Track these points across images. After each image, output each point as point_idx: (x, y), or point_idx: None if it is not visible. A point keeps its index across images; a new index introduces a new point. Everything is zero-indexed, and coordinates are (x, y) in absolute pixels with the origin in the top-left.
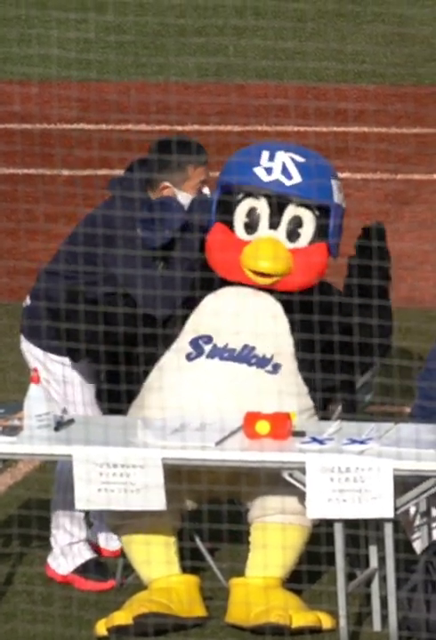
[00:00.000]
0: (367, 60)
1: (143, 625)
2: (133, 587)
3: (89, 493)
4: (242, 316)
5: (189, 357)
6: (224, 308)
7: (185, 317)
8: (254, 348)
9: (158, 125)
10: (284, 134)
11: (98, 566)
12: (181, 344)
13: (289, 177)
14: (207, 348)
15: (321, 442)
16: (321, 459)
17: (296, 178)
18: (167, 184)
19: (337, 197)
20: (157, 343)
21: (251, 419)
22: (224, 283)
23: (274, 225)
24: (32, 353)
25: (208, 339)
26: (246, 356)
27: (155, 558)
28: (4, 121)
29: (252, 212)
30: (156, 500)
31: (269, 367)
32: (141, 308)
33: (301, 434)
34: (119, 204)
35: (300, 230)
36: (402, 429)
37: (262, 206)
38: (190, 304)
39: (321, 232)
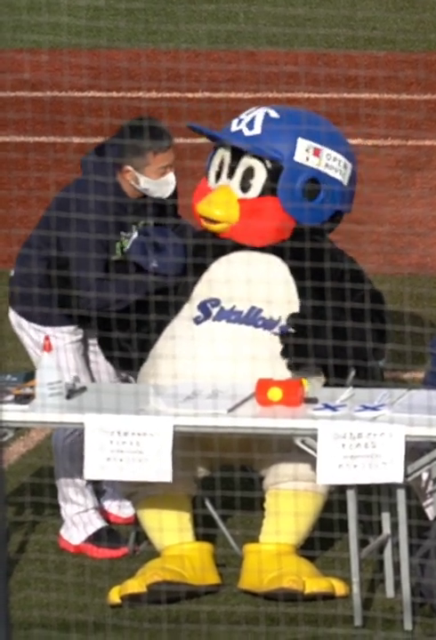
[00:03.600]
0: (377, 26)
1: (156, 593)
2: (145, 554)
3: (98, 462)
4: (250, 279)
5: (197, 321)
6: (233, 273)
7: (193, 284)
8: (261, 311)
9: (169, 93)
10: (294, 101)
11: (110, 534)
12: (190, 309)
13: (251, 128)
14: (215, 310)
15: (334, 408)
16: (333, 425)
17: (257, 130)
18: (129, 168)
19: (302, 157)
20: (160, 310)
21: (263, 385)
22: (234, 248)
23: (231, 174)
24: (17, 323)
25: (216, 302)
26: (252, 318)
27: (168, 526)
28: (15, 89)
29: (221, 162)
30: (163, 472)
31: (276, 329)
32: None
33: (313, 400)
34: (87, 187)
35: (251, 181)
36: (414, 396)
37: (226, 155)
38: (199, 271)
39: (273, 185)
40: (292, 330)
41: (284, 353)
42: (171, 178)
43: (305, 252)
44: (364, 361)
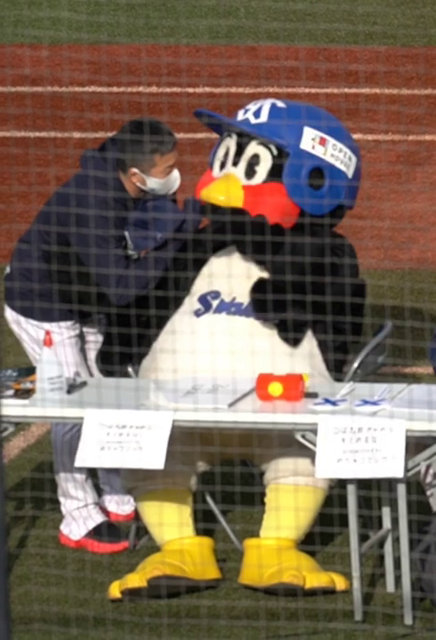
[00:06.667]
0: (378, 21)
1: (156, 588)
2: (145, 549)
3: (92, 451)
4: (250, 272)
5: (197, 314)
6: (233, 265)
7: (193, 278)
8: None
9: (169, 88)
10: (295, 96)
11: (110, 528)
12: (190, 303)
13: (257, 116)
14: (215, 303)
15: (334, 403)
16: (334, 420)
17: (263, 118)
18: (135, 170)
19: (308, 145)
20: (161, 306)
21: (264, 380)
22: (233, 242)
23: (236, 162)
24: (14, 319)
25: (216, 294)
26: (252, 309)
27: (168, 520)
28: (16, 84)
29: (226, 151)
30: (157, 460)
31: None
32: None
33: (313, 395)
34: (88, 184)
35: (256, 168)
36: (414, 390)
37: (231, 144)
38: (198, 265)
39: (278, 173)
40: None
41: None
42: (176, 174)
43: (302, 246)
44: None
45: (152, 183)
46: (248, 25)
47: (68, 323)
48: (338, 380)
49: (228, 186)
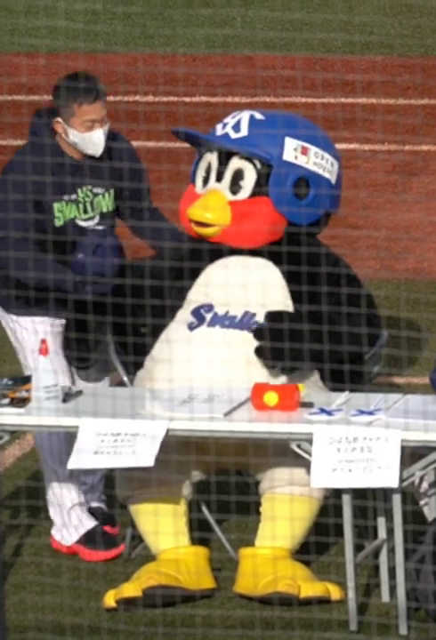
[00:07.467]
0: (374, 30)
1: (152, 597)
2: (141, 557)
3: (84, 454)
4: (244, 284)
5: (190, 327)
6: (228, 278)
7: (188, 289)
8: (254, 315)
9: (166, 97)
10: (292, 105)
11: (103, 535)
12: (184, 314)
13: (237, 130)
14: (208, 316)
15: (329, 413)
16: (329, 430)
17: (243, 132)
18: (59, 119)
19: (290, 156)
20: (155, 314)
21: (259, 390)
22: (228, 253)
23: (219, 177)
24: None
25: (209, 307)
26: (246, 322)
27: (164, 529)
28: (12, 92)
29: (208, 166)
30: (147, 458)
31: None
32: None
33: (309, 405)
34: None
35: (241, 183)
36: (410, 401)
37: (213, 159)
38: (193, 275)
39: (264, 186)
40: (265, 325)
41: (258, 352)
42: (99, 134)
43: (299, 257)
44: (359, 360)
45: (73, 136)
46: (245, 34)
47: (45, 318)
48: (335, 389)
49: (214, 203)
